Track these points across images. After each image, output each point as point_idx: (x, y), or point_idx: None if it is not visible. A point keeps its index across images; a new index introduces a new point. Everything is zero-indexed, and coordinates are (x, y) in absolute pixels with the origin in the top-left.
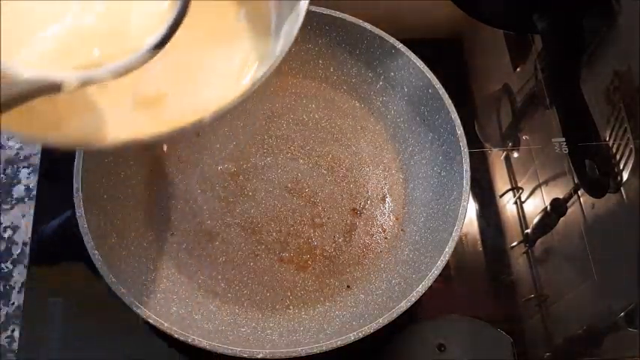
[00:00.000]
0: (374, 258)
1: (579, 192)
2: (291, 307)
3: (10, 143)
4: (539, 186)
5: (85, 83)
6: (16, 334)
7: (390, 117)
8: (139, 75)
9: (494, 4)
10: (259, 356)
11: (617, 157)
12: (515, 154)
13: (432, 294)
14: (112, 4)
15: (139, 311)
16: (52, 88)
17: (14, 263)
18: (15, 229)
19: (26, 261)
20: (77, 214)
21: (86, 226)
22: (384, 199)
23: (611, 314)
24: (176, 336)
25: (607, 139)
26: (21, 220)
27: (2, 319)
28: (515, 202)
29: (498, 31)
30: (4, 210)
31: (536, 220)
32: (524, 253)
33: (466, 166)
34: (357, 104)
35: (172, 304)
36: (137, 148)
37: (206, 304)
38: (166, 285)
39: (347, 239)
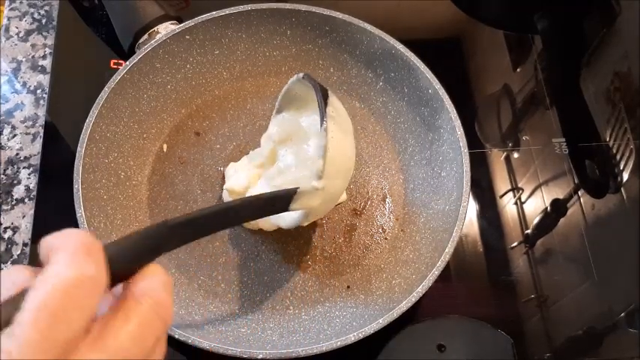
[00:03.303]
0: (374, 258)
1: (579, 192)
2: (291, 307)
3: (10, 143)
4: (539, 186)
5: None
6: None
7: (390, 117)
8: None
9: (494, 4)
10: (259, 357)
11: (617, 157)
12: (515, 155)
13: (432, 294)
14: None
15: None
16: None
17: (14, 264)
18: (15, 229)
19: (26, 261)
20: (77, 214)
21: (86, 226)
22: (384, 199)
23: (612, 314)
24: (176, 337)
25: (607, 139)
26: (21, 220)
27: None
28: (516, 203)
29: (498, 31)
30: (4, 210)
31: (536, 220)
32: (524, 253)
33: (466, 166)
34: (357, 105)
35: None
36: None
37: (206, 305)
38: None
39: (347, 239)
